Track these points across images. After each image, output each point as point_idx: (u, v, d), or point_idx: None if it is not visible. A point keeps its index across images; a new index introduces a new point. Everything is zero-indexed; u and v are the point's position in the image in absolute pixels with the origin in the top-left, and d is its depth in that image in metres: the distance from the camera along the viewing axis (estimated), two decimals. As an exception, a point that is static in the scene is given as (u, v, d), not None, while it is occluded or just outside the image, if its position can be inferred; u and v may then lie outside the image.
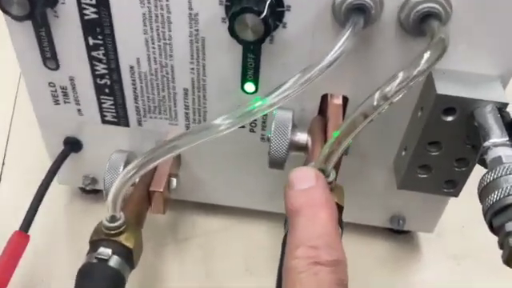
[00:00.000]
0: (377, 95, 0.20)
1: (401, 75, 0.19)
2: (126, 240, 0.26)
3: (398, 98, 0.19)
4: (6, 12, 0.25)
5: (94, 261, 0.24)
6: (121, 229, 0.26)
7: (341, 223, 0.21)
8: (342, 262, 0.19)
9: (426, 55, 0.20)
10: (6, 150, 0.42)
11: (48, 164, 0.35)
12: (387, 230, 0.37)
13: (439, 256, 0.37)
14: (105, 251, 0.25)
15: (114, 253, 0.25)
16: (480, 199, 0.21)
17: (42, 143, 0.39)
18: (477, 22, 0.24)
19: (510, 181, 0.19)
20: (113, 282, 0.24)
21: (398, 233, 0.37)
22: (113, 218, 0.25)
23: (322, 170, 0.21)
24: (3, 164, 0.41)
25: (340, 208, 0.21)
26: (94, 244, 0.25)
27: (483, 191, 0.20)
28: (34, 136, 0.41)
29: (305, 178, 0.20)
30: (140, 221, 0.29)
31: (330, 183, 0.21)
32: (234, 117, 0.22)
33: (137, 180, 0.27)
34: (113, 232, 0.25)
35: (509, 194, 0.19)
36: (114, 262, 0.25)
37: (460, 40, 0.24)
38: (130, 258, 0.26)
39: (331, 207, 0.20)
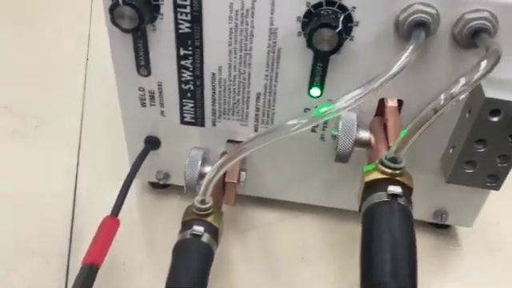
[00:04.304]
0: (443, 96, 0.24)
1: (463, 80, 0.24)
2: (213, 220, 0.30)
3: (462, 97, 0.23)
4: (116, 25, 0.30)
5: (189, 237, 0.29)
6: (209, 211, 0.30)
7: (411, 203, 0.25)
8: None
9: (484, 63, 0.24)
10: (79, 150, 0.47)
11: (117, 162, 0.40)
12: (427, 224, 0.40)
13: (478, 249, 0.40)
14: (198, 228, 0.29)
15: (205, 230, 0.29)
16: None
17: (111, 144, 0.44)
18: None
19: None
20: (206, 255, 0.28)
21: (438, 226, 0.41)
22: (203, 202, 0.30)
23: (395, 158, 0.25)
24: (78, 163, 0.46)
25: (411, 190, 0.25)
26: (187, 223, 0.29)
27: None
28: (104, 136, 0.47)
29: None
30: (220, 207, 0.33)
31: (401, 168, 0.25)
32: (306, 118, 0.26)
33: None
34: (203, 213, 0.30)
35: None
36: (206, 238, 0.29)
37: (504, 51, 0.28)
38: (216, 236, 0.30)
39: None
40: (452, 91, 0.23)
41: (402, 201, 0.24)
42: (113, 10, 0.29)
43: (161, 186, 0.42)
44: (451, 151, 0.33)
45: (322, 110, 0.26)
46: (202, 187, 0.29)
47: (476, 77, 0.24)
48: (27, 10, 0.64)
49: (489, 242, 0.41)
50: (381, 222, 0.24)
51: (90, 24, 0.62)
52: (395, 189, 0.24)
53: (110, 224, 0.34)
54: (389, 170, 0.25)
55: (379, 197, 0.24)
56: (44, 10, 0.64)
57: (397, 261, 0.23)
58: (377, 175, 0.25)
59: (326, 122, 0.35)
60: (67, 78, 0.55)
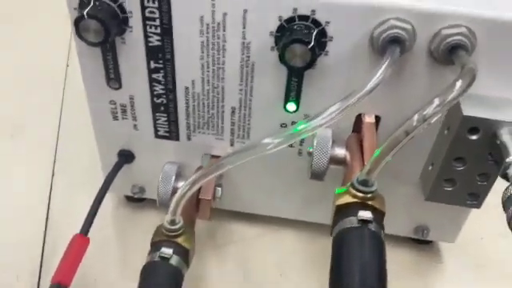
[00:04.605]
0: (416, 117, 0.23)
1: (436, 100, 0.23)
2: (183, 241, 0.29)
3: (434, 119, 0.23)
4: (82, 38, 0.29)
5: (157, 259, 0.28)
6: (179, 231, 0.29)
7: (383, 227, 0.24)
8: None
9: (459, 83, 0.23)
10: (55, 160, 0.45)
11: (94, 173, 0.39)
12: (409, 239, 0.39)
13: (460, 265, 0.39)
14: (167, 251, 0.28)
15: (174, 252, 0.28)
16: (504, 208, 0.24)
17: (88, 154, 0.43)
18: (497, 52, 0.27)
19: (531, 192, 0.22)
20: (174, 278, 0.27)
21: (419, 242, 0.40)
22: (173, 222, 0.28)
23: (366, 181, 0.24)
24: (53, 174, 0.44)
25: (382, 214, 0.24)
26: (156, 244, 0.28)
27: (507, 201, 0.23)
28: (80, 146, 0.46)
29: None
30: (192, 225, 0.32)
31: (372, 192, 0.24)
32: (281, 137, 0.25)
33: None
34: (172, 234, 0.29)
35: (530, 204, 0.22)
36: (174, 260, 0.28)
37: (483, 67, 0.28)
38: (186, 257, 0.29)
39: None
40: (425, 113, 0.22)
41: (372, 226, 0.23)
42: (78, 24, 0.28)
43: (137, 200, 0.41)
44: (430, 168, 0.32)
45: (299, 127, 0.25)
46: (172, 206, 0.28)
47: (450, 97, 0.23)
48: (6, 15, 0.63)
49: (472, 257, 0.40)
50: (350, 249, 0.23)
51: (71, 30, 0.61)
52: (365, 214, 0.23)
53: (80, 242, 0.33)
54: (360, 194, 0.24)
55: (350, 222, 0.24)
56: (24, 15, 0.63)
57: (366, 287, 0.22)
58: (348, 199, 0.24)
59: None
60: (46, 85, 0.53)
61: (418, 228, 0.38)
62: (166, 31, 0.29)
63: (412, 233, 0.38)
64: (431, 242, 0.40)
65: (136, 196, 0.39)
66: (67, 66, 0.56)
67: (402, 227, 0.38)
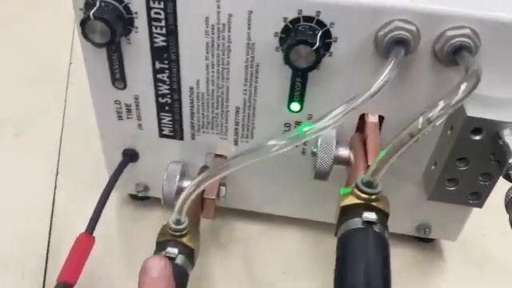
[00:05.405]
0: (420, 120, 0.23)
1: (441, 103, 0.23)
2: (188, 241, 0.29)
3: (439, 122, 0.23)
4: (87, 39, 0.29)
5: (163, 259, 0.28)
6: (184, 231, 0.29)
7: (387, 228, 0.25)
8: None
9: (463, 86, 0.23)
10: (58, 160, 0.46)
11: (98, 172, 0.39)
12: (411, 237, 0.40)
13: (462, 263, 0.40)
14: (172, 250, 0.28)
15: (179, 252, 0.28)
16: (507, 209, 0.24)
17: (92, 153, 0.43)
18: (500, 53, 0.27)
19: (534, 194, 0.23)
20: (180, 277, 0.28)
21: (422, 240, 0.40)
22: (178, 222, 0.29)
23: (370, 182, 0.24)
24: (57, 174, 0.45)
25: (387, 215, 0.25)
26: (161, 244, 0.29)
27: (510, 203, 0.24)
28: (84, 146, 0.46)
29: (156, 267, 0.24)
30: (197, 224, 0.32)
31: (377, 193, 0.24)
32: (286, 139, 0.25)
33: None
34: (178, 234, 0.29)
35: (533, 205, 0.22)
36: (180, 260, 0.28)
37: (486, 68, 0.28)
38: (192, 257, 0.29)
39: None
40: (430, 115, 0.23)
41: (377, 228, 0.24)
42: (84, 25, 0.28)
43: (141, 198, 0.41)
44: (433, 168, 0.32)
45: (304, 129, 0.25)
46: (177, 206, 0.28)
47: (455, 100, 0.23)
48: (9, 14, 0.63)
49: (474, 255, 0.40)
50: (355, 251, 0.23)
51: (74, 27, 0.61)
52: (370, 215, 0.24)
53: (85, 241, 0.33)
54: (364, 195, 0.24)
55: (355, 223, 0.24)
56: (26, 13, 0.63)
57: None
58: (352, 200, 0.24)
59: (306, 137, 0.34)
60: (49, 84, 0.53)
61: (419, 226, 0.38)
62: (172, 32, 0.29)
63: (414, 231, 0.38)
64: (433, 240, 0.40)
65: (140, 194, 0.39)
66: (70, 63, 0.56)
67: (403, 225, 0.38)
